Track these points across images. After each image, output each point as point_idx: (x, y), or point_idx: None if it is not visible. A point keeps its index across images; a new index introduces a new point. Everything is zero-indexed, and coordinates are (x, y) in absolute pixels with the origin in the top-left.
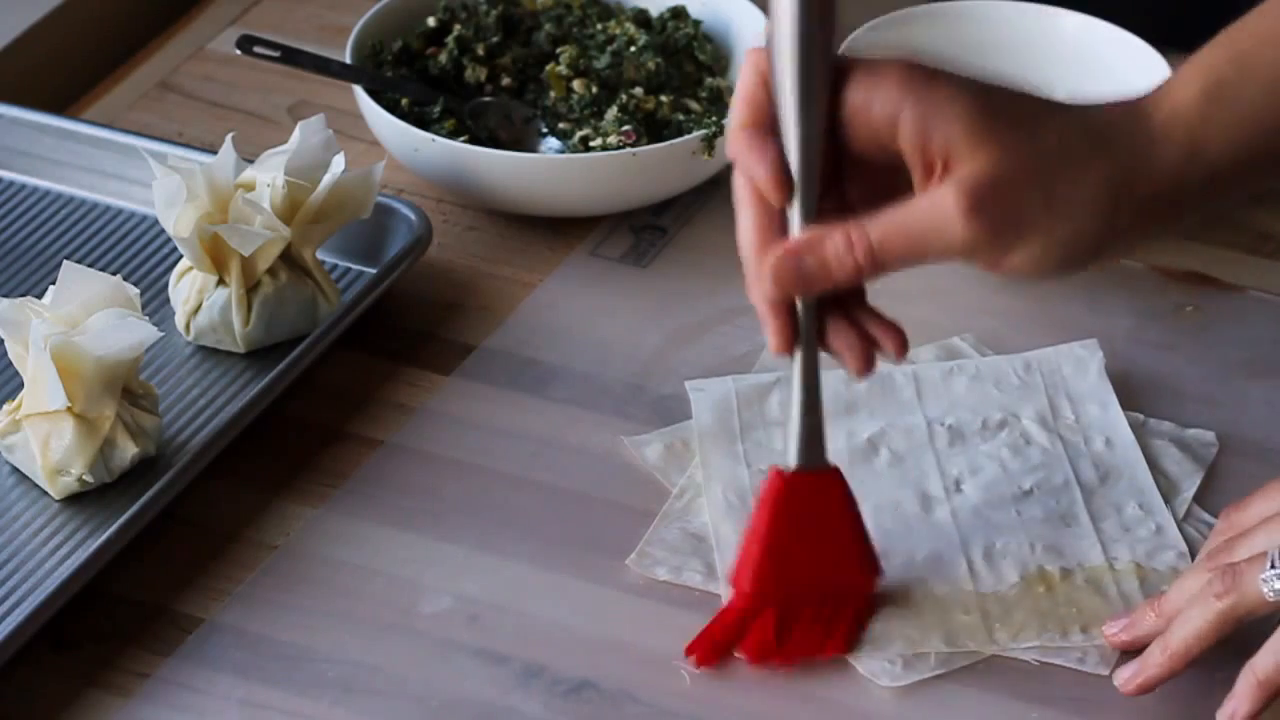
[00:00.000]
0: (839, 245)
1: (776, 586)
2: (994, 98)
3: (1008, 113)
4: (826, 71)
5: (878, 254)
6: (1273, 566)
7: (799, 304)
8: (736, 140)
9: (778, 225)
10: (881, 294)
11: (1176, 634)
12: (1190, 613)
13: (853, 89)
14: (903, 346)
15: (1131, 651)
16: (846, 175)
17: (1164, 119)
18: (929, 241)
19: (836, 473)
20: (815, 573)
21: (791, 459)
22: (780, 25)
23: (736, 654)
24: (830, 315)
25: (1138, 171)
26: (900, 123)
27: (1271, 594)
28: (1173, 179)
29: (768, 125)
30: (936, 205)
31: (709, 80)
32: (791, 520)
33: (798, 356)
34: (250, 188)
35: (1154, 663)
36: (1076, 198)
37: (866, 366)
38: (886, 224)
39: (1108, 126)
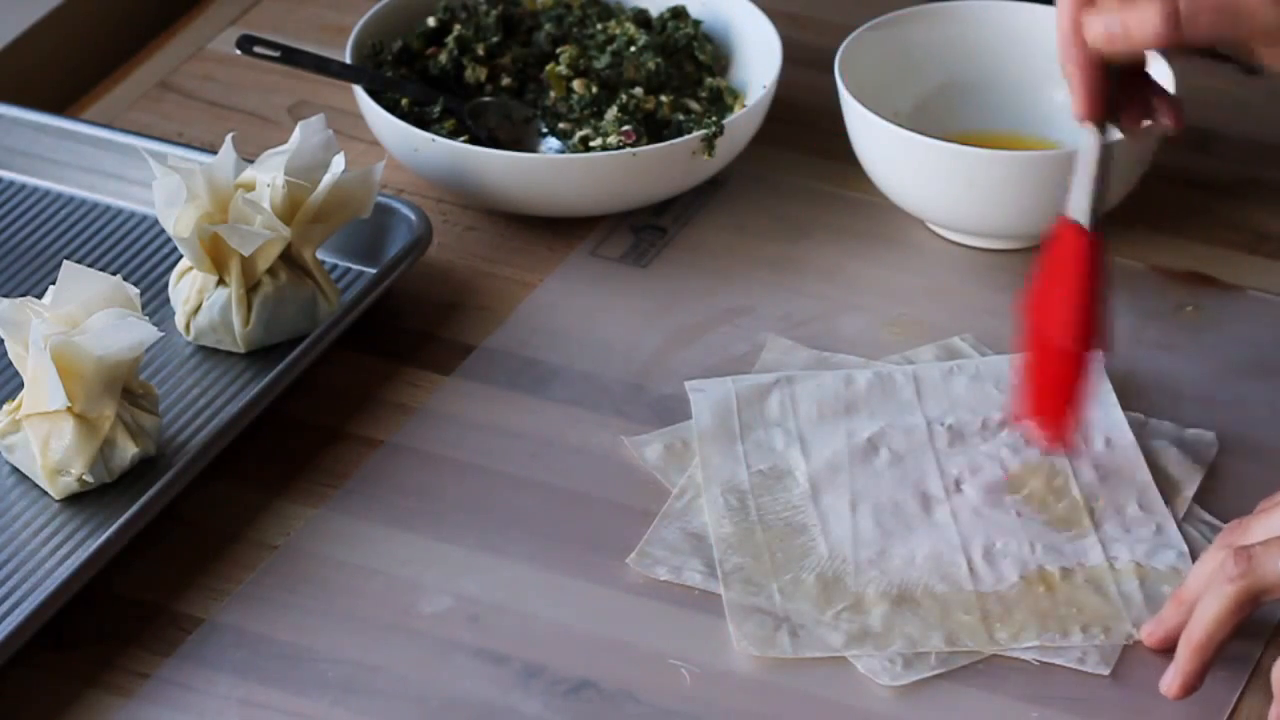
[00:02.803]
0: (1149, 8)
1: (1089, 336)
2: None
3: None
4: None
5: (1184, 19)
6: None
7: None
8: None
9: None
10: (882, 293)
11: (1196, 625)
12: (1206, 600)
13: None
14: (1178, 117)
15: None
16: None
17: None
18: (1237, 18)
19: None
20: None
21: (1085, 221)
22: None
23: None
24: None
25: None
26: None
27: None
28: None
29: None
30: None
31: (709, 80)
32: (1092, 275)
33: (1091, 129)
34: (250, 188)
35: (1184, 659)
36: None
37: (1138, 125)
38: None
39: None
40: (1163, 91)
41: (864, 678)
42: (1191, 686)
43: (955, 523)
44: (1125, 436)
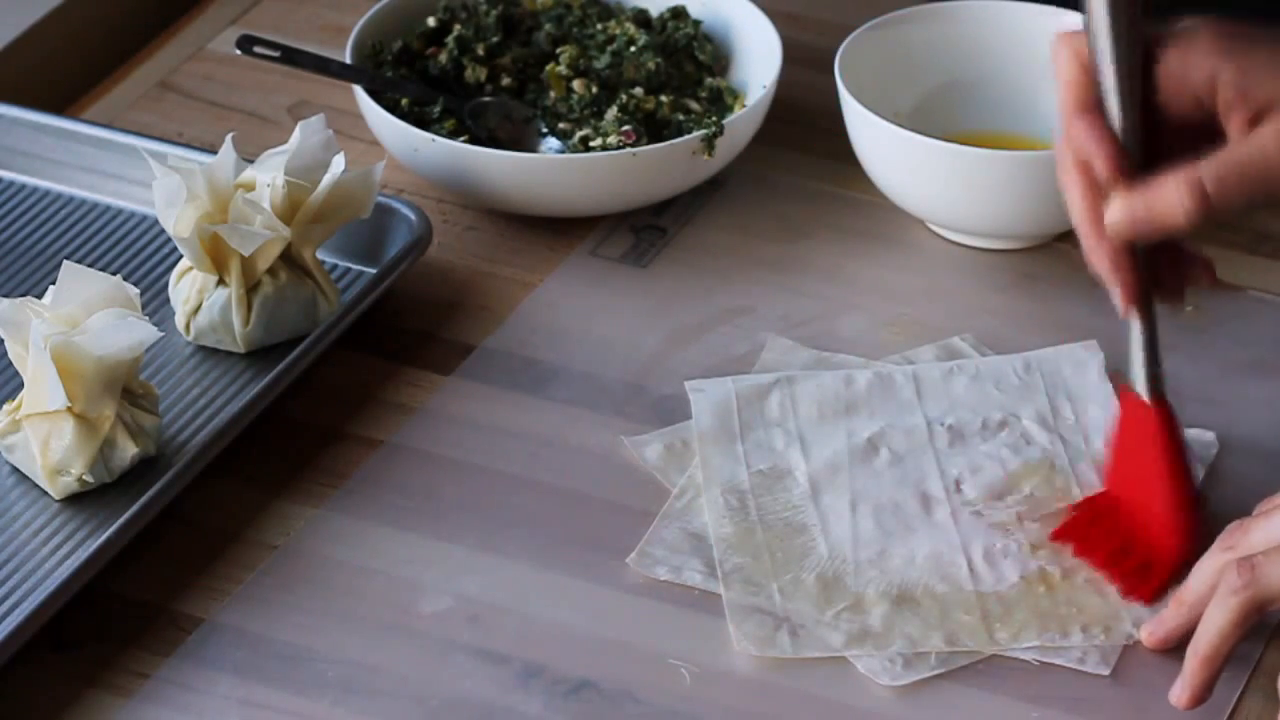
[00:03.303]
0: (1172, 192)
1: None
2: None
3: None
4: (1142, 45)
5: (1213, 195)
6: None
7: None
8: (1072, 125)
9: (1105, 197)
10: (882, 293)
11: (1202, 637)
12: (1212, 613)
13: (1168, 57)
14: (1213, 279)
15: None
16: (1161, 144)
17: None
18: (1261, 175)
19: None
20: (1150, 495)
21: (1146, 395)
22: (1095, 7)
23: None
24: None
25: None
26: (1219, 80)
27: None
28: None
29: (1096, 107)
30: (1265, 144)
31: (709, 80)
32: (1170, 448)
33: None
34: (250, 188)
35: (1192, 671)
36: None
37: (1179, 299)
38: (1219, 165)
39: None
40: (1191, 256)
41: (864, 678)
42: (1200, 698)
43: (955, 523)
44: None
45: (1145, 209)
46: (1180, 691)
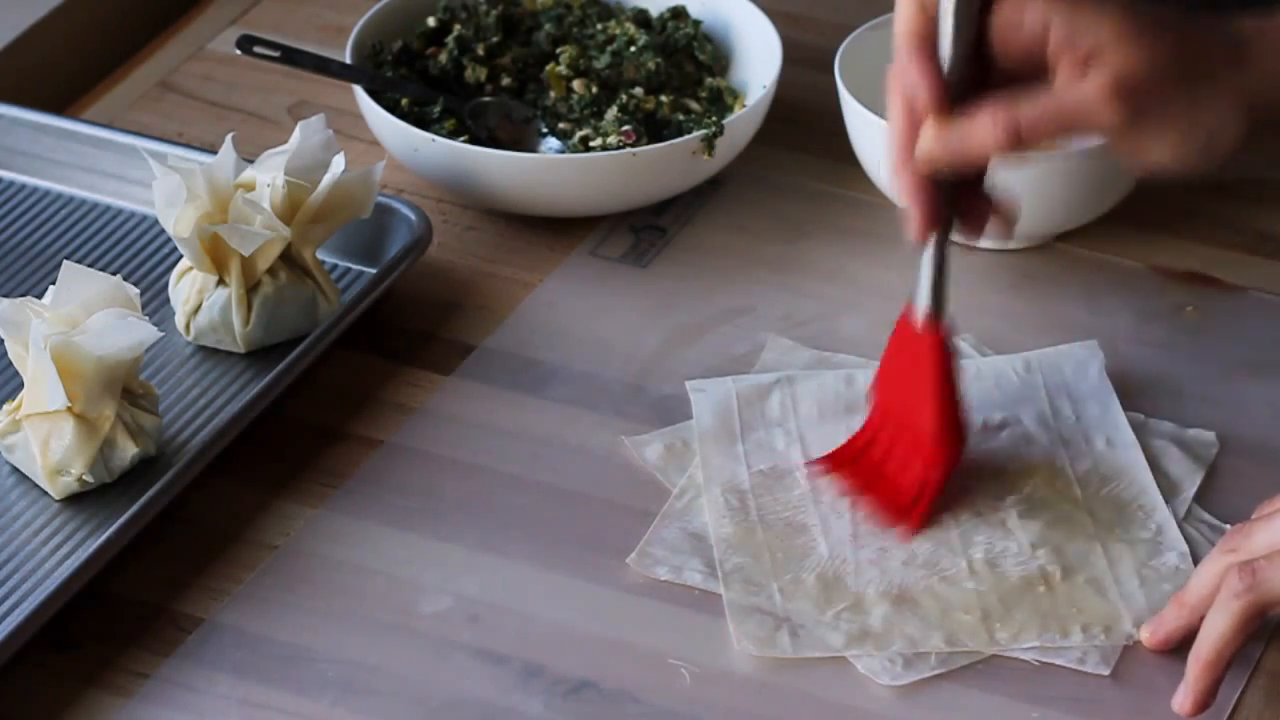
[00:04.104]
0: (985, 124)
1: (899, 414)
2: (1138, 7)
3: (1153, 19)
4: None
5: (1025, 134)
6: None
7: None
8: (903, 60)
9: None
10: (882, 293)
11: (1204, 642)
12: (1213, 618)
13: (1003, 7)
14: (1011, 225)
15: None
16: (990, 83)
17: None
18: (1074, 121)
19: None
20: (917, 419)
21: (927, 313)
22: None
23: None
24: (959, 189)
25: (1270, 84)
26: (1052, 27)
27: None
28: None
29: (928, 45)
30: (1084, 91)
31: (709, 80)
32: (942, 369)
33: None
34: (250, 188)
35: (1195, 677)
36: (1216, 98)
37: (978, 232)
38: (1038, 107)
39: (1244, 38)
40: (997, 199)
41: (864, 678)
42: (1204, 704)
43: (955, 523)
44: (1125, 436)
45: (959, 141)
46: (1184, 698)
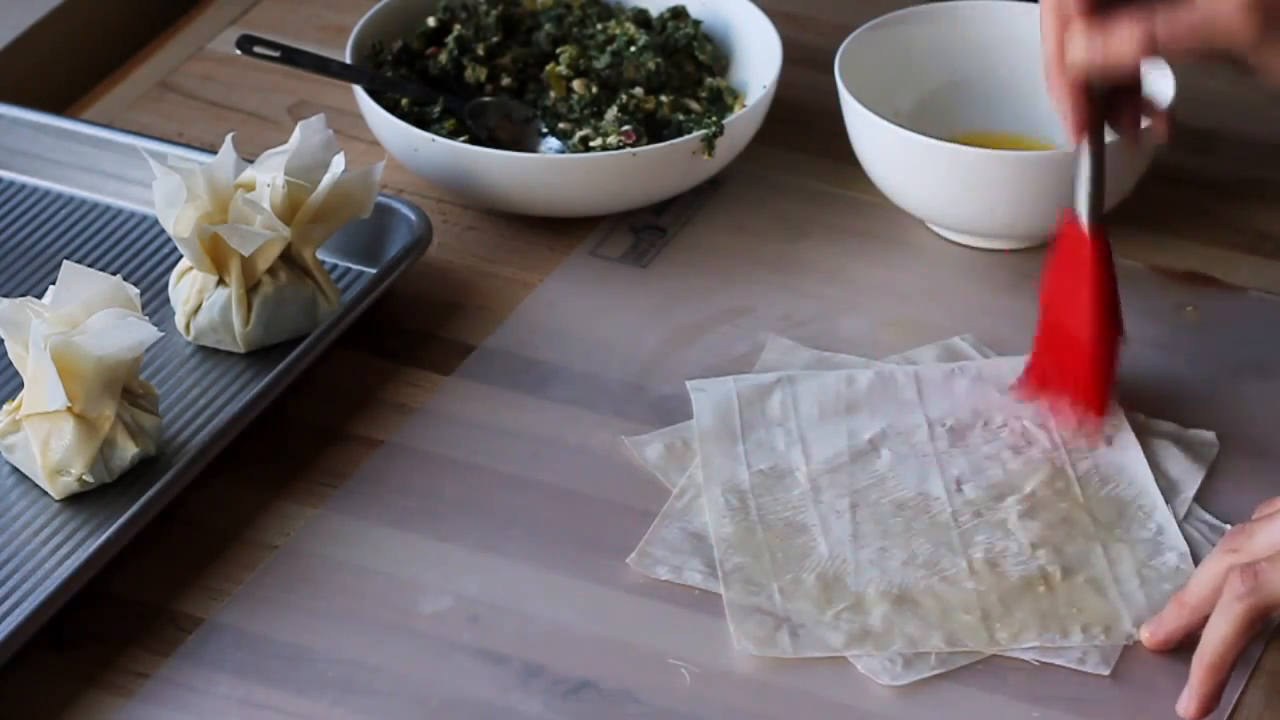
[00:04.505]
0: (1126, 33)
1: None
2: None
3: None
4: None
5: (1162, 44)
6: None
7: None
8: None
9: None
10: (882, 293)
11: (1207, 645)
12: (1216, 620)
13: None
14: (1168, 130)
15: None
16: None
17: None
18: (1211, 35)
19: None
20: (1082, 319)
21: (1085, 218)
22: None
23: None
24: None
25: None
26: None
27: None
28: None
29: None
30: (1221, 4)
31: (709, 80)
32: (1103, 267)
33: (1085, 141)
34: (250, 188)
35: (1199, 680)
36: None
37: (1132, 135)
38: (1172, 20)
39: None
40: (1154, 104)
41: (864, 678)
42: (1208, 707)
43: (955, 523)
44: (1126, 436)
45: (1101, 49)
46: (1188, 701)
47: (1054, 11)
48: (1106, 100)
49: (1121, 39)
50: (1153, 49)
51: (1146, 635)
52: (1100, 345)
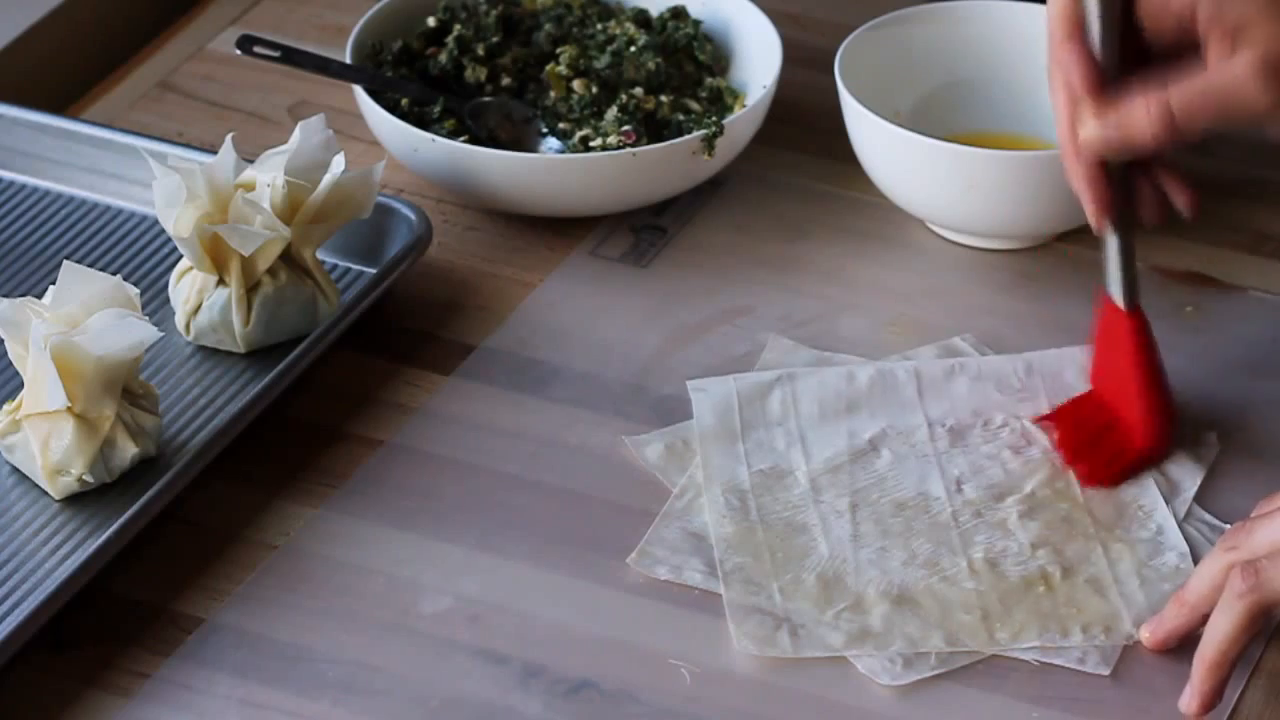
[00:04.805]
0: (1139, 112)
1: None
2: None
3: None
4: None
5: (1179, 117)
6: None
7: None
8: (1058, 49)
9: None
10: (882, 293)
11: (1209, 644)
12: (1217, 619)
13: None
14: (1194, 203)
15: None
16: (1147, 64)
17: None
18: (1227, 104)
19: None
20: (1125, 399)
21: (1122, 304)
22: None
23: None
24: (1135, 178)
25: None
26: (1199, 6)
27: None
28: None
29: (1080, 31)
30: (1234, 71)
31: (709, 80)
32: (1144, 352)
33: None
34: (250, 188)
35: (1200, 678)
36: None
37: (1158, 217)
38: (1188, 89)
39: None
40: (1173, 178)
41: (864, 678)
42: (1209, 705)
43: (955, 523)
44: None
45: (1115, 128)
46: (1189, 699)
47: (1064, 91)
48: (1125, 177)
49: (1136, 115)
50: (1169, 123)
51: (1146, 635)
52: (1145, 429)
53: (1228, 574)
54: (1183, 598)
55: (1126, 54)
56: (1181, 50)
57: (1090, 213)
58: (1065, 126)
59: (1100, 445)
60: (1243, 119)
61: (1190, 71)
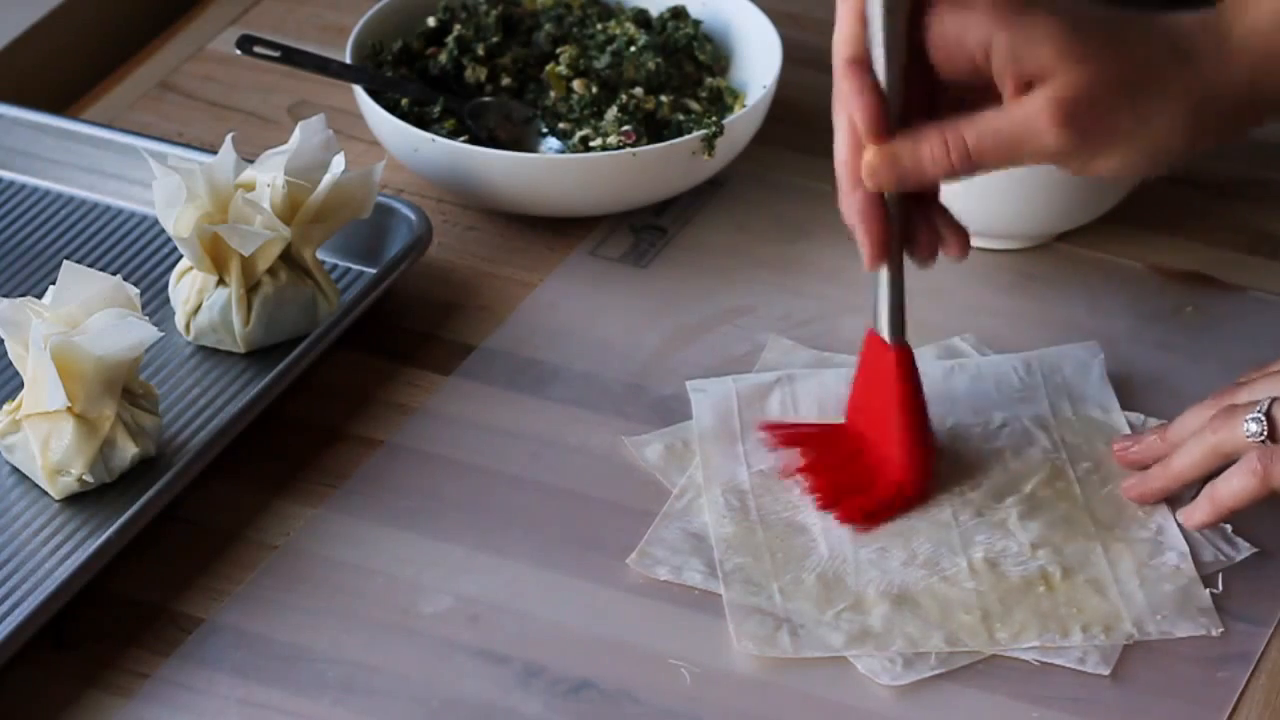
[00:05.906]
0: (935, 145)
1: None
2: (1082, 19)
3: (1097, 31)
4: (906, 9)
5: (973, 154)
6: (1258, 413)
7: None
8: (840, 77)
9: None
10: None
11: (1176, 460)
12: (1190, 443)
13: (943, 20)
14: (965, 248)
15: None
16: (940, 99)
17: (1242, 34)
18: (1021, 147)
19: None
20: (886, 437)
21: (886, 335)
22: None
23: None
24: (911, 213)
25: (1216, 84)
26: (993, 47)
27: (1248, 435)
28: (1249, 91)
29: (864, 59)
30: (1029, 115)
31: (709, 80)
32: (905, 384)
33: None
34: (250, 188)
35: (1155, 476)
36: (1161, 108)
37: (930, 258)
38: (982, 127)
39: (1189, 39)
40: (949, 220)
41: (864, 678)
42: (1147, 501)
43: (955, 523)
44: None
45: (910, 160)
46: (1134, 484)
47: (846, 123)
48: (901, 216)
49: (933, 153)
50: (966, 162)
51: (1119, 448)
52: (905, 467)
53: (1247, 450)
54: (1165, 435)
55: (914, 91)
56: (978, 93)
57: (866, 251)
58: (845, 158)
59: (847, 474)
60: (1035, 159)
61: (985, 110)
